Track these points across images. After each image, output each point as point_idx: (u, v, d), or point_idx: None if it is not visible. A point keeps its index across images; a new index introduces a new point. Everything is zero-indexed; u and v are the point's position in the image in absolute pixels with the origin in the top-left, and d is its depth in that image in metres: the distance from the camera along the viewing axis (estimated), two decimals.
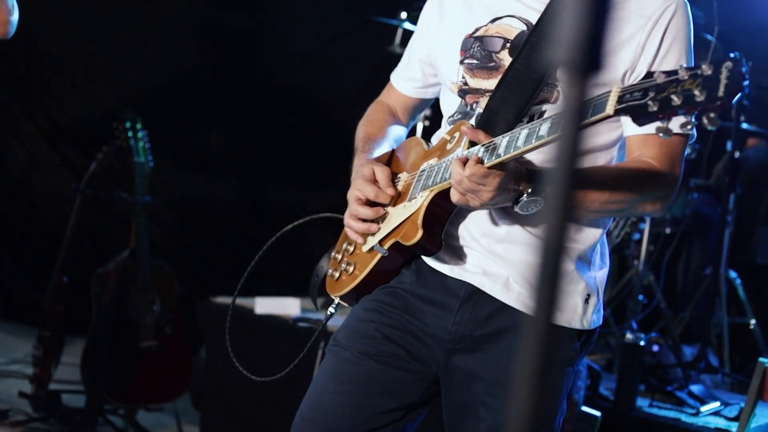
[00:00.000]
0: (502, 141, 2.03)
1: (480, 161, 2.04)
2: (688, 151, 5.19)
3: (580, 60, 0.89)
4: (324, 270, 2.57)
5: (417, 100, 2.63)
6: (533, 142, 1.95)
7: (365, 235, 2.38)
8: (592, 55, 0.88)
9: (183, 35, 6.66)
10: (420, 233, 2.18)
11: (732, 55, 1.70)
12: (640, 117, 1.78)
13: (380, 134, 2.54)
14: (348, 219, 2.37)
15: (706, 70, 1.70)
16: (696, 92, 1.70)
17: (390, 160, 2.49)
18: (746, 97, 5.04)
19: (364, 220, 2.35)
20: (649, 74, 1.79)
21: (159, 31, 6.59)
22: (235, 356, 2.64)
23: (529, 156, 2.18)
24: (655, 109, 1.74)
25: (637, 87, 1.80)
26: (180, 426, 4.97)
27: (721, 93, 1.68)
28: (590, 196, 2.10)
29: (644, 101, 1.76)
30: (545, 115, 2.16)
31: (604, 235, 2.34)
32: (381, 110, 2.64)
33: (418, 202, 2.23)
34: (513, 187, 2.04)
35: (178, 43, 6.64)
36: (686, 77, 1.72)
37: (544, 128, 1.94)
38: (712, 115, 1.71)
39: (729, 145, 5.07)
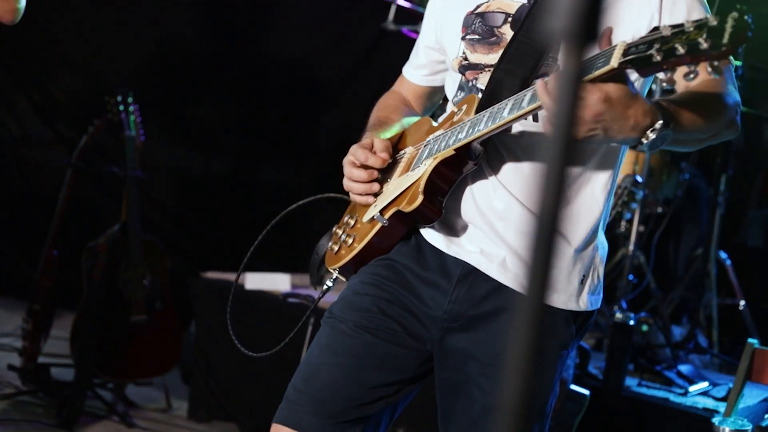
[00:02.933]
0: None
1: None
2: None
3: (577, 30, 0.89)
4: (324, 248, 2.55)
5: (427, 88, 2.61)
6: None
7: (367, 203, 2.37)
8: (588, 24, 0.88)
9: (177, 10, 6.62)
10: (420, 198, 2.15)
11: (739, 5, 1.70)
12: (644, 67, 1.77)
13: (392, 117, 2.52)
14: (347, 183, 2.35)
15: (712, 20, 1.71)
16: (700, 40, 1.70)
17: (399, 139, 2.48)
18: (739, 78, 5.03)
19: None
20: (656, 28, 1.78)
21: (153, 6, 6.55)
22: (224, 334, 2.64)
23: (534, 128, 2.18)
24: (659, 59, 1.74)
25: (643, 40, 1.79)
26: (169, 401, 4.97)
27: (725, 40, 1.68)
28: (687, 122, 1.98)
29: (649, 52, 1.76)
30: None
31: (606, 215, 2.32)
32: (393, 98, 2.62)
33: (422, 169, 2.21)
34: (628, 110, 1.86)
35: (171, 18, 6.60)
36: (692, 28, 1.72)
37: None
38: (716, 63, 1.71)
39: None
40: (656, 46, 1.75)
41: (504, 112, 2.03)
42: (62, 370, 4.86)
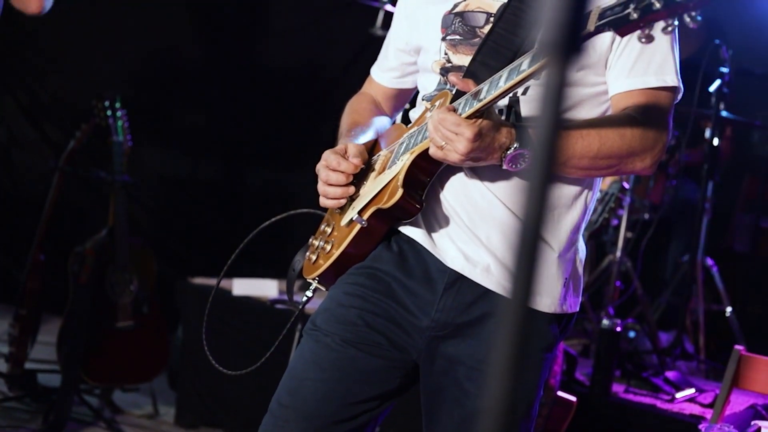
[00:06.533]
0: (483, 86, 2.03)
1: (453, 110, 2.04)
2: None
3: (561, 42, 0.88)
4: (300, 263, 2.52)
5: (397, 90, 2.61)
6: (515, 78, 1.94)
7: (344, 205, 2.35)
8: (572, 37, 0.88)
9: (165, 14, 6.61)
10: (400, 192, 2.14)
11: None
12: (622, 26, 1.79)
13: (365, 122, 2.50)
14: (321, 187, 2.33)
15: None
16: None
17: (374, 147, 2.47)
18: (726, 84, 5.04)
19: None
20: None
21: (141, 10, 6.53)
22: (211, 340, 2.63)
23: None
24: (636, 16, 1.76)
25: (617, 2, 1.81)
26: (156, 406, 4.96)
27: None
28: (578, 151, 2.09)
29: (626, 12, 1.78)
30: (528, 84, 2.11)
31: (587, 217, 2.32)
32: (364, 100, 2.62)
33: (399, 165, 2.20)
34: (494, 138, 2.03)
35: (159, 22, 6.58)
36: None
37: (525, 64, 1.93)
38: (693, 13, 1.72)
39: (708, 133, 5.08)
40: (632, 6, 1.77)
41: (481, 94, 2.03)
42: (49, 375, 4.85)
